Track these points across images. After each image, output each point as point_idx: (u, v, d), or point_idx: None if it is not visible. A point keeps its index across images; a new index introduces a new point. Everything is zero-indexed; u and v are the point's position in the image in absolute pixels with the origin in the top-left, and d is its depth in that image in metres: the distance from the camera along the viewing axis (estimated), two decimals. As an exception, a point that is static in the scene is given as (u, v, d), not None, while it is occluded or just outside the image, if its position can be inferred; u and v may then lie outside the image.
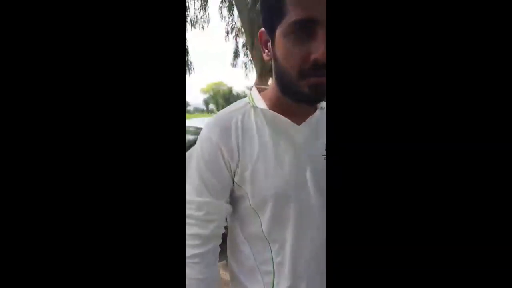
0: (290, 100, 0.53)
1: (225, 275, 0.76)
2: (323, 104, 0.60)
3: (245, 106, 0.57)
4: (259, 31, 0.53)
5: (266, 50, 0.52)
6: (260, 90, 0.59)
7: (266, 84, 4.58)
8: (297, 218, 0.52)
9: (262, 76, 4.83)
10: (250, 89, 0.62)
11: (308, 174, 0.53)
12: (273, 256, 0.54)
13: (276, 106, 0.55)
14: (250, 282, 0.56)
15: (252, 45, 4.70)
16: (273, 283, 0.54)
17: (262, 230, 0.53)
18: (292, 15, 0.44)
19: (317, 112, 0.58)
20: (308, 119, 0.56)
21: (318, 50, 0.44)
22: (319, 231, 0.52)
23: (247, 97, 0.59)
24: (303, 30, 0.44)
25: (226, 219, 0.59)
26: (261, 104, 0.55)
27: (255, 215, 0.54)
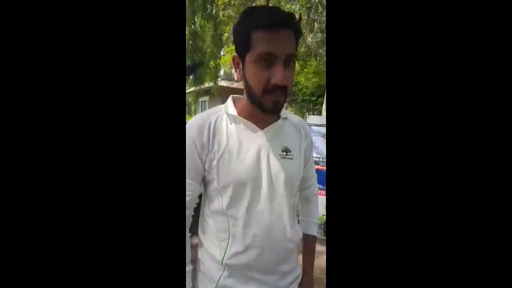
0: (257, 109, 0.66)
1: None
2: (285, 114, 0.75)
3: (220, 111, 0.72)
4: (233, 55, 0.67)
5: (238, 70, 0.66)
6: (234, 100, 0.73)
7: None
8: (250, 201, 0.67)
9: None
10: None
11: (263, 168, 0.68)
12: (229, 228, 0.68)
13: (245, 113, 0.70)
14: (211, 247, 0.71)
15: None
16: (226, 247, 0.68)
17: (223, 207, 0.68)
18: (256, 48, 0.60)
19: (279, 121, 0.73)
20: (270, 125, 0.71)
21: (276, 76, 0.59)
22: (266, 213, 0.67)
23: (224, 104, 0.73)
24: (265, 60, 0.59)
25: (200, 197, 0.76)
26: (232, 111, 0.70)
27: (219, 195, 0.68)
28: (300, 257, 0.84)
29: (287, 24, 0.59)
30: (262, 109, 0.65)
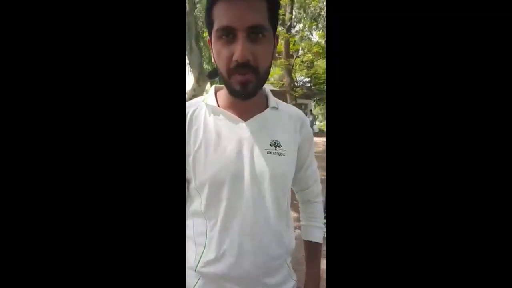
0: (238, 98, 0.58)
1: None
2: (276, 103, 0.66)
3: (198, 102, 0.64)
4: (208, 38, 0.58)
5: (212, 54, 0.58)
6: (217, 89, 0.65)
7: (204, 87, 4.83)
8: (228, 202, 0.58)
9: (200, 80, 4.66)
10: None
11: (246, 165, 0.58)
12: (207, 231, 0.60)
13: (227, 103, 0.62)
14: (187, 251, 0.62)
15: (190, 49, 4.62)
16: (202, 253, 0.60)
17: (201, 208, 0.60)
18: (216, 24, 0.52)
19: (267, 111, 0.63)
20: (255, 116, 0.61)
21: (236, 52, 0.51)
22: (248, 216, 0.58)
23: (205, 95, 0.66)
24: (226, 36, 0.52)
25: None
26: (212, 101, 0.62)
27: (198, 195, 0.61)
28: (302, 265, 0.73)
29: None
30: (232, 93, 0.56)
